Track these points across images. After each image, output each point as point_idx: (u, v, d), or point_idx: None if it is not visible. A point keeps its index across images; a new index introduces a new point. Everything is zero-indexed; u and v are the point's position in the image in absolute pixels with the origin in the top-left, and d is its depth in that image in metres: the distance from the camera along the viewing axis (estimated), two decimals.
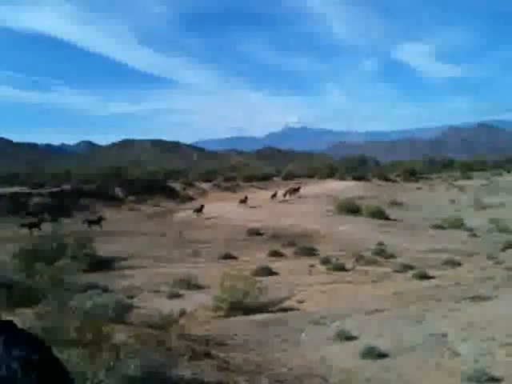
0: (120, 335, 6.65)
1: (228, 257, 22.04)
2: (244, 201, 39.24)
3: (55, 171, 48.09)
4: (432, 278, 16.75)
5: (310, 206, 38.21)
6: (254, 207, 38.30)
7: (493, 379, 7.31)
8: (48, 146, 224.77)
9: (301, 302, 14.40)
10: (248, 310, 12.64)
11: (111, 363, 5.79)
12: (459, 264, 19.41)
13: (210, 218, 33.36)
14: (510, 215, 32.73)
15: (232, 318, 12.25)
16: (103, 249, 21.48)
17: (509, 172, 60.39)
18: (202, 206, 34.74)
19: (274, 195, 42.44)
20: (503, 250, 22.19)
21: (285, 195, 42.30)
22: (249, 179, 57.60)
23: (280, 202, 41.04)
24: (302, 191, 43.96)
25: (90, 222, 30.12)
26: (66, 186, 40.12)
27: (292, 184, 51.10)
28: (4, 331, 1.37)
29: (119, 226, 30.98)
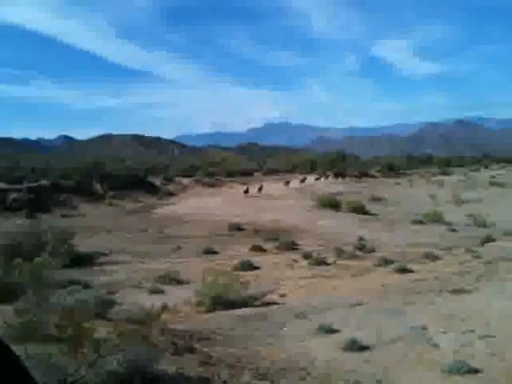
0: (101, 331, 6.56)
1: (210, 252, 21.94)
2: (288, 183, 47.73)
3: (34, 166, 47.22)
4: (412, 271, 16.94)
5: (291, 201, 38.37)
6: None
7: (472, 370, 7.43)
8: (25, 140, 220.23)
9: (283, 296, 14.43)
10: (230, 305, 12.60)
11: (93, 358, 5.71)
12: (439, 258, 19.67)
13: (195, 214, 33.21)
14: (488, 210, 33.38)
15: (214, 313, 12.21)
16: (84, 244, 21.18)
17: (486, 168, 61.54)
18: (262, 186, 42.80)
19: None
20: (481, 244, 22.59)
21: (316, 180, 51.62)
22: (230, 174, 57.65)
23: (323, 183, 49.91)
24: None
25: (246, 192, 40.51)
26: (44, 182, 39.37)
27: (274, 179, 52.42)
28: None
29: (99, 222, 30.59)
